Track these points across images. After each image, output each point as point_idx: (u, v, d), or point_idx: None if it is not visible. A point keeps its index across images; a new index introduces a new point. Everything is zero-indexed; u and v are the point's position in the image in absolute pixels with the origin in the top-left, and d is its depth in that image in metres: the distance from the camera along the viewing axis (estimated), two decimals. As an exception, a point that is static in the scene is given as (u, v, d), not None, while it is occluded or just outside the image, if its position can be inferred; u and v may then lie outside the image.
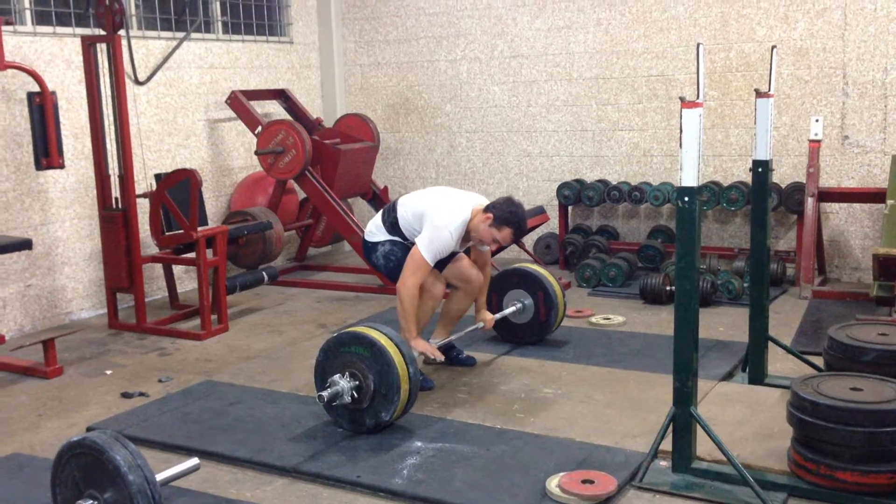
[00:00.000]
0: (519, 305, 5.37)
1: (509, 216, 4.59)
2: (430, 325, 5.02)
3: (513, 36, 7.99)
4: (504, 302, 5.43)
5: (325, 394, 4.01)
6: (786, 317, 5.86)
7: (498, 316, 5.25)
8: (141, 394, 4.80)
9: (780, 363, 4.80)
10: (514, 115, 8.06)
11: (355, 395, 4.04)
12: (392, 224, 4.81)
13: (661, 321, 5.89)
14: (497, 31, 8.06)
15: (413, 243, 4.63)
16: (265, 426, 4.26)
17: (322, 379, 4.15)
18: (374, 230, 4.87)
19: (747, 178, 6.92)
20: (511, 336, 5.46)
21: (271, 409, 4.47)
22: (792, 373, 4.57)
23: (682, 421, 3.47)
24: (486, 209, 4.64)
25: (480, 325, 5.06)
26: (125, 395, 4.78)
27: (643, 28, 7.43)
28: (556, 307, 5.35)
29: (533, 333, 5.41)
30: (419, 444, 3.98)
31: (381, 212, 4.96)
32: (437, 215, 4.57)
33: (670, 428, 3.53)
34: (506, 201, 4.66)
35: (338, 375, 4.06)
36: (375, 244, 4.85)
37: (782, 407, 3.67)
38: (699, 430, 3.49)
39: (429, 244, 4.54)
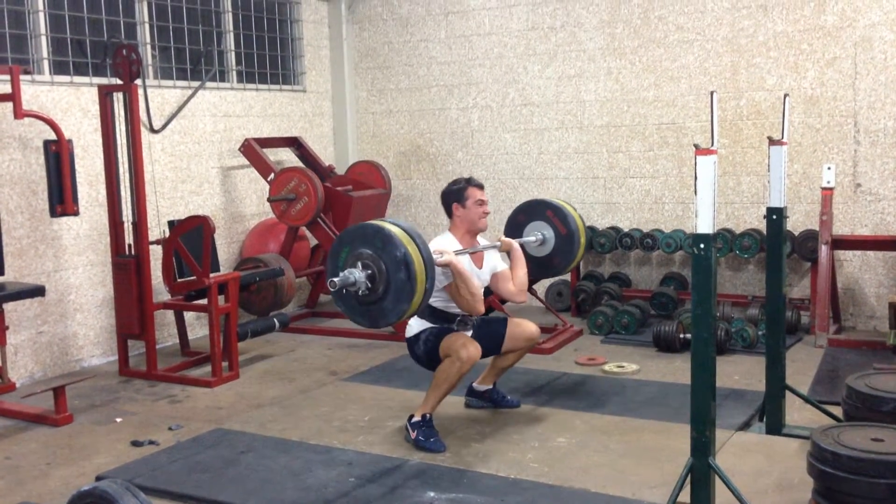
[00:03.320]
0: (540, 237, 5.26)
1: (455, 184, 4.73)
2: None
3: (524, 84, 8.06)
4: (526, 230, 5.33)
5: (336, 279, 3.87)
6: (802, 365, 5.80)
7: (517, 245, 5.02)
8: (151, 442, 4.76)
9: (797, 413, 4.74)
10: (526, 163, 8.10)
11: (369, 284, 3.89)
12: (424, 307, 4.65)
13: (675, 369, 5.83)
14: (508, 80, 8.14)
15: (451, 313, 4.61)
16: (276, 475, 4.21)
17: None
18: (413, 323, 4.72)
19: (760, 225, 6.91)
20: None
21: (282, 458, 4.42)
22: (810, 422, 4.51)
23: (701, 472, 3.41)
24: (448, 208, 4.74)
25: (498, 244, 4.92)
26: (135, 444, 4.74)
27: (653, 77, 7.49)
28: (568, 264, 5.27)
29: (543, 270, 5.29)
30: (432, 494, 3.92)
31: None
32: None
33: (688, 479, 3.47)
34: (445, 189, 4.79)
35: (350, 269, 3.94)
36: (418, 334, 4.68)
37: (801, 458, 3.61)
38: (717, 482, 3.43)
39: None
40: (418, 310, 4.05)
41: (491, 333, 4.85)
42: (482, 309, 4.56)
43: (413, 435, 4.55)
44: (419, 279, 3.90)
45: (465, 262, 4.57)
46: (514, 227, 5.44)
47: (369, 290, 3.94)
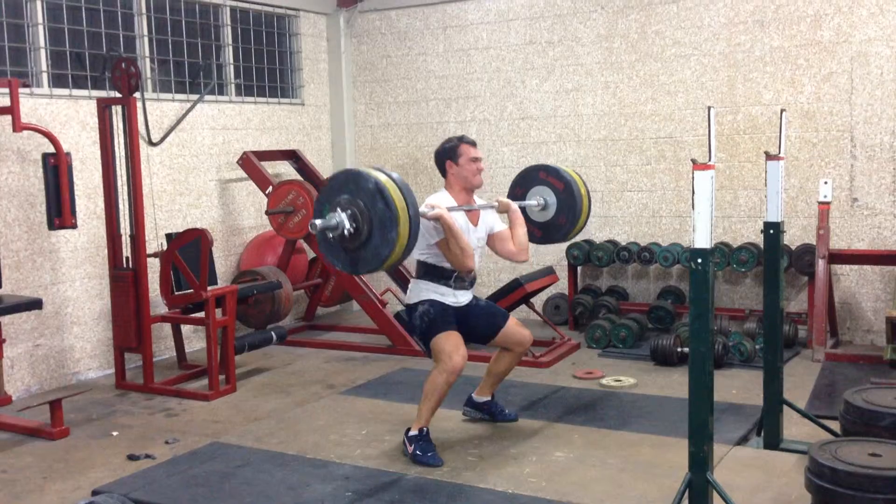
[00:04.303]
0: (542, 201, 5.17)
1: (448, 143, 4.71)
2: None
3: (522, 98, 8.09)
4: (528, 194, 5.24)
5: (318, 221, 3.86)
6: (799, 379, 5.80)
7: (515, 205, 4.96)
8: (147, 456, 4.74)
9: (795, 427, 4.73)
10: (523, 176, 8.10)
11: (352, 227, 3.87)
12: (418, 264, 4.69)
13: (672, 383, 5.83)
14: (506, 94, 8.16)
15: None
16: (272, 489, 4.19)
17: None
18: (412, 287, 4.75)
19: (757, 239, 6.93)
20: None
21: (279, 472, 4.41)
22: (808, 437, 4.50)
23: (699, 487, 3.41)
24: (441, 166, 4.73)
25: (495, 204, 4.89)
26: (131, 458, 4.72)
27: (651, 91, 7.52)
28: (577, 218, 5.15)
29: (545, 234, 5.22)
30: (429, 509, 3.91)
31: None
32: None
33: (686, 494, 3.46)
34: (438, 149, 4.76)
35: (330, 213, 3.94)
36: (415, 304, 4.67)
37: (799, 472, 3.61)
38: (715, 497, 3.42)
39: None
40: (408, 246, 3.95)
41: (489, 322, 4.83)
42: (472, 265, 4.54)
43: (410, 449, 4.54)
44: (398, 206, 3.84)
45: (458, 219, 4.56)
46: (514, 200, 5.35)
47: (355, 231, 3.90)
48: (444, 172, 4.75)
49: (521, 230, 4.82)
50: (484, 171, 4.82)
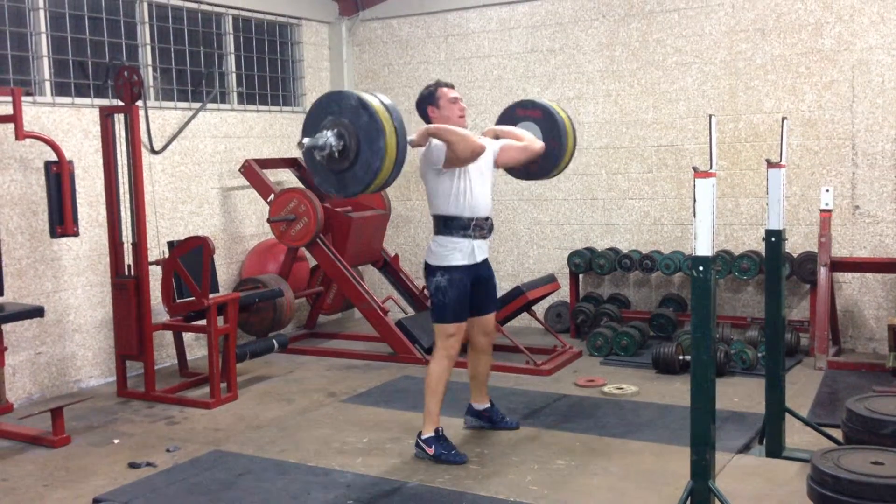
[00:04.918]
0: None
1: (426, 90, 4.76)
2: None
3: (523, 106, 8.08)
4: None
5: (305, 140, 3.93)
6: (801, 387, 5.79)
7: (500, 126, 5.08)
8: (148, 464, 4.73)
9: (797, 435, 4.72)
10: (525, 184, 8.10)
11: (339, 144, 3.95)
12: (435, 219, 4.70)
13: (674, 391, 5.82)
14: (508, 102, 8.03)
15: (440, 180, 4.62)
16: (274, 498, 4.18)
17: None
18: (432, 245, 4.74)
19: (758, 246, 6.93)
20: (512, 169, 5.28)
21: (280, 481, 4.40)
22: (810, 445, 4.49)
23: (701, 495, 3.40)
24: (423, 115, 4.77)
25: (481, 135, 4.91)
26: (132, 465, 4.72)
27: (652, 99, 7.52)
28: (564, 144, 5.17)
29: (546, 162, 5.21)
30: (431, 517, 3.90)
31: None
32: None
33: (688, 502, 3.45)
34: (417, 98, 4.81)
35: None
36: (435, 269, 4.68)
37: (802, 481, 3.59)
38: (718, 505, 3.42)
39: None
40: (397, 159, 4.02)
41: (485, 302, 4.88)
42: (481, 143, 4.55)
43: (431, 451, 4.56)
44: (383, 118, 3.93)
45: None
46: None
47: (343, 148, 3.96)
48: (427, 121, 4.76)
49: (518, 130, 4.97)
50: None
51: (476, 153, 4.52)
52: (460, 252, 4.63)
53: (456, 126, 4.60)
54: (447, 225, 4.65)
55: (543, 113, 5.23)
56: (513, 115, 5.32)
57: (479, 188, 4.66)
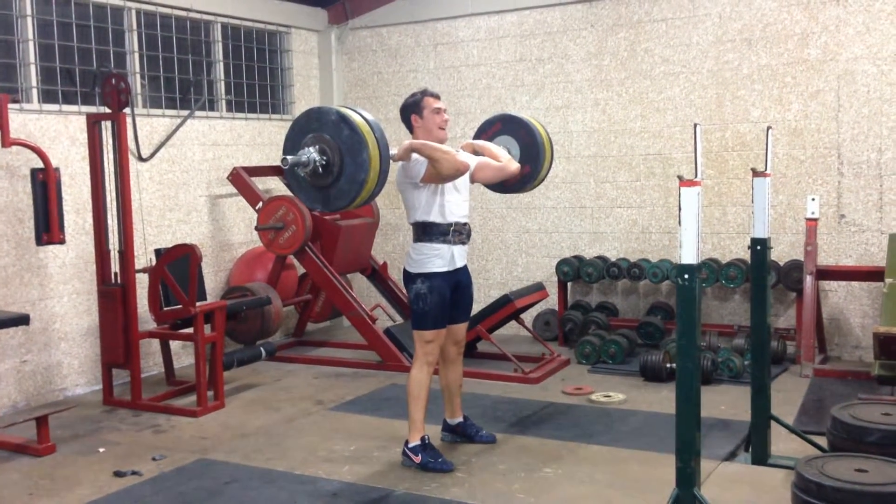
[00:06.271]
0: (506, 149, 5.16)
1: (411, 97, 4.73)
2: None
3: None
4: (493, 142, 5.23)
5: (289, 157, 3.94)
6: (787, 395, 5.81)
7: (478, 140, 5.08)
8: (134, 472, 4.71)
9: (783, 443, 4.73)
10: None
11: (322, 160, 3.96)
12: (414, 227, 4.69)
13: (661, 399, 5.83)
14: (496, 110, 8.17)
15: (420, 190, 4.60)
16: (260, 506, 4.17)
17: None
18: (411, 252, 4.74)
19: (745, 255, 6.95)
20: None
21: (267, 489, 4.39)
22: (795, 453, 4.50)
23: (685, 503, 3.40)
24: (407, 122, 4.75)
25: (459, 149, 4.89)
26: (118, 474, 4.69)
27: (640, 108, 7.56)
28: (540, 166, 5.20)
29: (514, 183, 5.23)
30: (417, 525, 3.89)
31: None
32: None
33: (673, 510, 3.46)
34: (402, 104, 4.81)
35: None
36: (415, 276, 4.69)
37: (787, 488, 3.61)
38: (703, 513, 3.42)
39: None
40: (381, 169, 4.01)
41: (462, 311, 4.88)
42: (464, 160, 4.55)
43: (417, 459, 4.55)
44: (364, 131, 3.95)
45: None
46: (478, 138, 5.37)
47: (326, 164, 3.98)
48: (410, 128, 4.77)
49: (496, 148, 4.96)
50: (473, 189, 4.85)
51: (460, 172, 4.53)
52: (440, 258, 4.64)
53: (437, 138, 4.63)
54: (426, 231, 4.65)
55: (521, 128, 5.23)
56: (491, 128, 5.30)
57: (456, 196, 4.68)
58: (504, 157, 4.91)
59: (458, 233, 4.67)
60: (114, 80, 5.88)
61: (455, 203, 4.66)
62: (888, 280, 5.92)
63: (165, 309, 6.12)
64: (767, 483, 4.21)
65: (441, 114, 4.70)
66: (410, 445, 4.62)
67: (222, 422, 5.67)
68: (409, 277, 4.72)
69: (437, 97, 4.76)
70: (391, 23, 8.62)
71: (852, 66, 6.74)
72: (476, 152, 4.96)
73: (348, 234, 7.44)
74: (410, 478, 4.49)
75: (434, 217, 4.62)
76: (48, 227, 5.56)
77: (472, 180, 4.86)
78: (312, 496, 4.27)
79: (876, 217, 6.74)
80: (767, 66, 7.04)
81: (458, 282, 4.76)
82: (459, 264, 4.73)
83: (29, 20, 6.18)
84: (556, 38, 7.87)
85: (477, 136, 5.33)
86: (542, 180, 5.42)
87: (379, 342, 7.00)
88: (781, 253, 7.00)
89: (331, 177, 3.99)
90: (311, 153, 3.97)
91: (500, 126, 5.29)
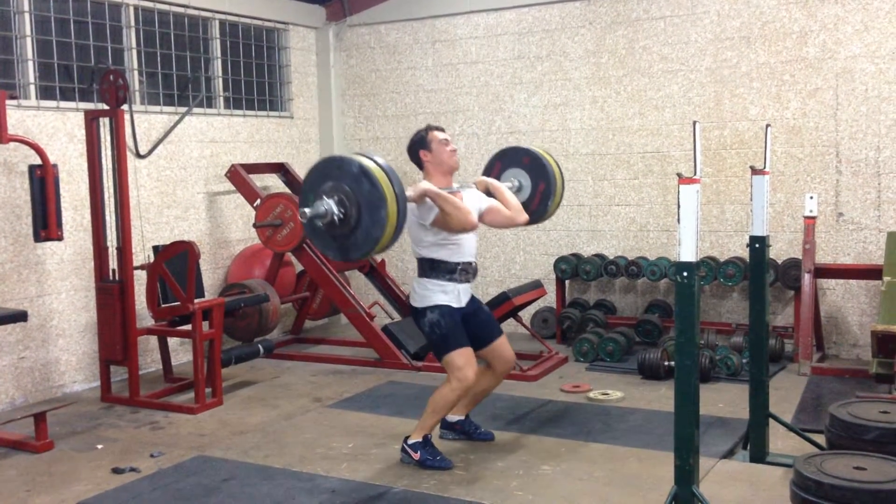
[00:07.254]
0: (516, 183, 5.17)
1: (416, 135, 4.75)
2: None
3: (510, 112, 8.12)
4: (503, 175, 5.23)
5: (307, 210, 3.88)
6: (785, 393, 5.82)
7: (493, 179, 5.01)
8: (132, 469, 4.70)
9: (781, 441, 4.74)
10: (512, 190, 8.13)
11: (341, 212, 3.88)
12: (420, 262, 4.68)
13: (659, 397, 5.84)
14: (495, 108, 8.19)
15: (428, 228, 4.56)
16: (258, 503, 4.16)
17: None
18: (416, 288, 4.69)
19: (743, 253, 6.96)
20: None
21: (265, 486, 4.39)
22: (793, 450, 4.51)
23: (684, 500, 3.41)
24: (416, 158, 4.74)
25: (472, 185, 4.90)
26: (116, 471, 4.69)
27: (638, 106, 7.56)
28: (551, 201, 5.17)
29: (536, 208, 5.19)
30: (415, 522, 3.89)
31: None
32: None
33: (672, 507, 3.46)
34: (408, 144, 4.79)
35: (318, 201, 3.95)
36: (424, 310, 4.64)
37: (785, 486, 3.61)
38: (701, 510, 3.42)
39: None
40: (398, 225, 3.95)
41: (486, 331, 4.80)
42: (475, 220, 4.55)
43: (416, 456, 4.55)
44: (384, 185, 3.86)
45: None
46: (491, 175, 5.32)
47: (344, 216, 3.91)
48: (420, 164, 4.76)
49: (509, 194, 4.89)
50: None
51: (466, 230, 4.53)
52: (445, 294, 4.60)
53: (450, 166, 4.67)
54: (433, 268, 4.62)
55: (539, 167, 5.16)
56: (518, 159, 5.23)
57: (466, 236, 4.63)
58: (514, 205, 4.84)
59: (465, 272, 4.66)
60: (112, 77, 5.87)
61: (465, 243, 4.63)
62: (886, 278, 5.94)
63: (163, 306, 6.11)
64: (766, 481, 4.22)
65: (448, 144, 4.71)
66: (410, 442, 4.62)
67: (220, 419, 5.67)
68: (418, 313, 4.66)
69: (441, 129, 4.77)
70: (389, 20, 8.61)
71: (851, 64, 6.74)
72: (488, 191, 4.91)
73: (346, 232, 7.41)
74: (409, 475, 4.50)
75: (442, 255, 4.60)
76: (46, 223, 5.55)
77: (481, 220, 4.82)
78: (310, 493, 4.27)
79: (874, 215, 6.74)
80: (766, 64, 7.04)
81: (466, 312, 4.71)
82: (464, 302, 4.69)
83: (27, 16, 6.17)
84: (555, 35, 7.86)
85: (496, 159, 5.29)
86: (550, 217, 5.35)
87: (377, 339, 7.00)
88: (780, 251, 7.00)
89: (347, 228, 3.93)
90: (329, 205, 3.90)
91: (526, 161, 5.21)
